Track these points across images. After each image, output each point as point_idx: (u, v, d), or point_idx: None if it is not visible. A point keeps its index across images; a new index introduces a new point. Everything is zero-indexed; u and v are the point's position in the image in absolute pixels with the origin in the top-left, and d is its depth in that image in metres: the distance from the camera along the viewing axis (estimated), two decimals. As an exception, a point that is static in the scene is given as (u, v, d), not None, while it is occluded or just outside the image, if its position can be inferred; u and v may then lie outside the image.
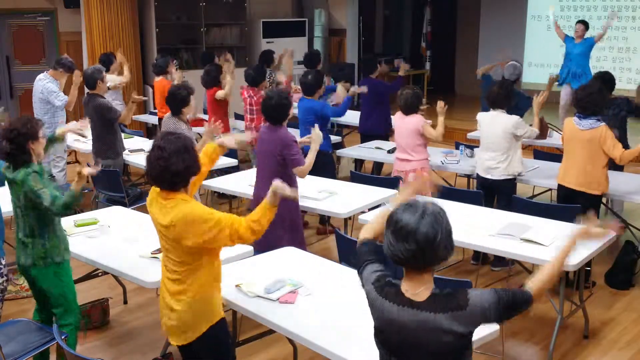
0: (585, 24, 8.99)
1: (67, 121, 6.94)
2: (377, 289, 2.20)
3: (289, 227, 4.54)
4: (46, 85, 6.66)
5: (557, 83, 8.59)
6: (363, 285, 2.29)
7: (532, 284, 2.25)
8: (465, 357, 2.18)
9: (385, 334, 2.20)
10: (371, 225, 2.50)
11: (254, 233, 2.92)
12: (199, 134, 6.37)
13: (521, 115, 5.50)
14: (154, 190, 3.00)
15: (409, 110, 5.62)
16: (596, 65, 10.30)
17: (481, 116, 5.44)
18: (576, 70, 8.90)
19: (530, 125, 5.44)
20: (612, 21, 9.21)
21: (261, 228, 2.94)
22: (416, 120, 5.58)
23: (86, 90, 6.22)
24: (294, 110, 5.96)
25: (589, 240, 2.45)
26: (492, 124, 5.24)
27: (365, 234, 2.47)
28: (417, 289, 2.12)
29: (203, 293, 2.96)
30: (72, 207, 3.50)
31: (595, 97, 4.81)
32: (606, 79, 5.76)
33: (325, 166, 5.90)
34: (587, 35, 9.04)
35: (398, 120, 5.73)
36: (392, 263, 2.16)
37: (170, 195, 2.89)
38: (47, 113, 6.71)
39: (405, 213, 2.10)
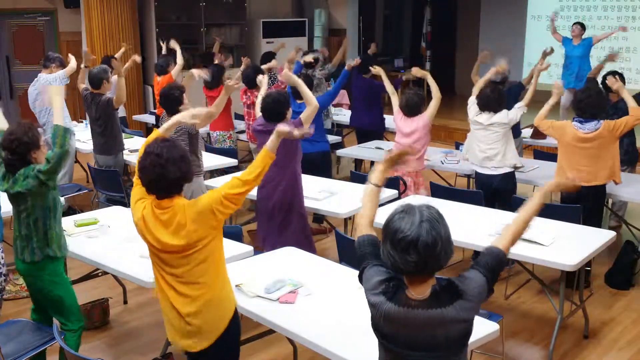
0: (581, 25, 8.94)
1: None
2: (387, 296, 2.14)
3: (299, 219, 4.63)
4: (49, 78, 6.59)
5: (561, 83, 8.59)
6: (365, 291, 2.23)
7: (503, 243, 2.29)
8: (467, 342, 2.22)
9: (394, 338, 2.15)
10: (364, 213, 2.45)
11: (246, 183, 2.88)
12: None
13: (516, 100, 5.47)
14: (144, 205, 2.87)
15: (412, 111, 5.61)
16: (596, 64, 10.29)
17: (473, 117, 5.39)
18: (578, 72, 8.87)
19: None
20: (612, 33, 9.19)
21: (255, 176, 2.90)
22: (423, 119, 5.59)
23: (89, 89, 6.21)
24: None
25: (560, 189, 2.43)
26: (487, 128, 5.23)
27: (363, 227, 2.41)
28: (421, 293, 2.11)
29: (220, 291, 2.93)
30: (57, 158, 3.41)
31: (594, 99, 4.80)
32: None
33: (321, 167, 5.90)
34: (586, 35, 9.02)
35: (400, 121, 5.70)
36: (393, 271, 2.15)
37: (169, 203, 2.80)
38: (49, 112, 6.64)
39: (403, 221, 2.06)
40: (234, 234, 4.16)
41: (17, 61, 9.84)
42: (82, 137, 7.00)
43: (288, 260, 3.87)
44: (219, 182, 5.63)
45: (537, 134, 6.88)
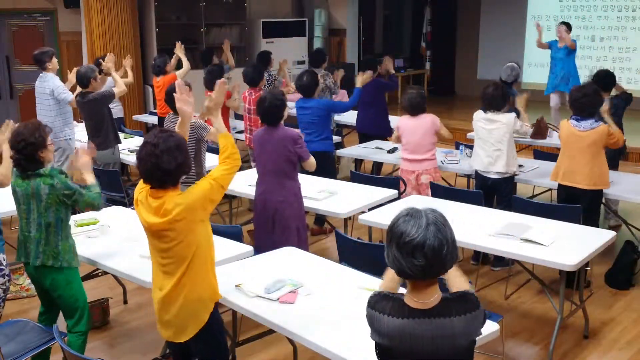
0: (567, 25, 8.84)
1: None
2: (372, 306, 2.16)
3: (297, 232, 4.59)
4: (55, 82, 6.51)
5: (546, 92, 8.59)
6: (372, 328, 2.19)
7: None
8: None
9: (395, 352, 2.11)
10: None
11: (231, 169, 3.03)
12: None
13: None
14: (141, 190, 2.99)
15: (415, 110, 5.61)
16: (596, 65, 10.29)
17: (478, 117, 5.39)
18: (563, 74, 8.83)
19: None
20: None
21: (234, 159, 3.04)
22: (431, 118, 5.60)
23: (79, 89, 6.21)
24: (292, 111, 5.95)
25: None
26: (491, 127, 5.23)
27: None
28: (426, 299, 2.09)
29: (204, 284, 3.02)
30: (98, 201, 3.64)
31: (591, 98, 4.81)
32: (601, 76, 5.79)
33: (326, 167, 5.91)
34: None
35: (406, 121, 5.68)
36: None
37: (160, 194, 2.90)
38: (58, 115, 6.50)
39: (409, 224, 2.03)
40: (234, 234, 4.15)
41: (17, 61, 9.82)
42: (82, 137, 6.99)
43: (288, 260, 3.87)
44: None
45: (537, 134, 6.88)
